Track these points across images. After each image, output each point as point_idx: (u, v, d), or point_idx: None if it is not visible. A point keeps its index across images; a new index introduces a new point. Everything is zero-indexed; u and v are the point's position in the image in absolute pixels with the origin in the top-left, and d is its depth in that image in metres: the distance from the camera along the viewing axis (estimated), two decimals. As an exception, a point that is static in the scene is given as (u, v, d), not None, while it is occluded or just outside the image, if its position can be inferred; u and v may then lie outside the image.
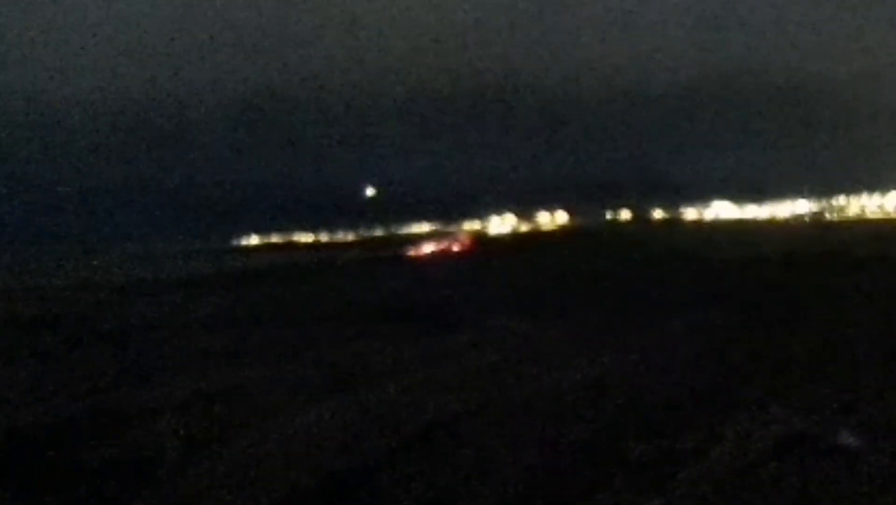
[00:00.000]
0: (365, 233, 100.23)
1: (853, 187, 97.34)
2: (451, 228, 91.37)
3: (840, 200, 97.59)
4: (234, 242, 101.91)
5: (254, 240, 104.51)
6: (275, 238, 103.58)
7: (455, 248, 60.45)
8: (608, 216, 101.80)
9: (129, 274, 45.90)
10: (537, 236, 79.20)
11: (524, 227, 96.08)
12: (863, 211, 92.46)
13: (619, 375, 10.98)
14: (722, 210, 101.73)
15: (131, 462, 7.86)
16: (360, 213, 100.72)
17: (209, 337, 16.58)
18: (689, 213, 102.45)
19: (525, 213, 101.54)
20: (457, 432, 8.30)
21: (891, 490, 6.19)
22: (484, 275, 34.64)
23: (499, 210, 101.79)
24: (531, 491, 6.53)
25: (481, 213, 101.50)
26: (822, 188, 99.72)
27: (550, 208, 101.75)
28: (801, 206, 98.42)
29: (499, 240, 77.46)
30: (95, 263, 59.59)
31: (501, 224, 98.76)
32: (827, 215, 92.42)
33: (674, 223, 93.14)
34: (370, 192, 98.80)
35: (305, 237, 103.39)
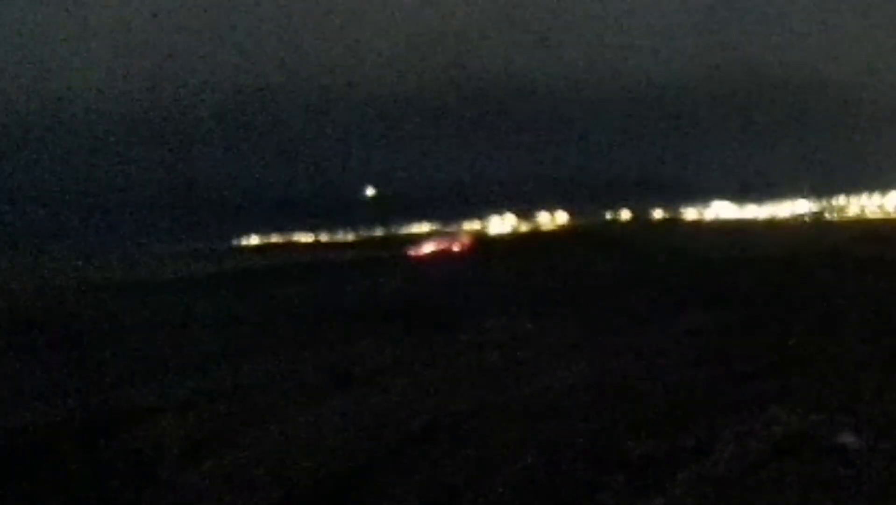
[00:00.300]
0: (365, 233, 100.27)
1: (853, 187, 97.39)
2: (451, 228, 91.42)
3: (840, 200, 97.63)
4: (234, 242, 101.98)
5: (254, 240, 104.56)
6: (275, 238, 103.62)
7: (455, 248, 60.40)
8: (608, 216, 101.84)
9: (129, 274, 45.92)
10: (537, 236, 79.11)
11: (524, 227, 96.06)
12: (863, 211, 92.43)
13: (619, 375, 10.98)
14: (722, 210, 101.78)
15: (131, 462, 7.86)
16: (360, 214, 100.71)
17: (209, 337, 16.59)
18: (689, 213, 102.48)
19: (525, 213, 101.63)
20: (457, 432, 8.30)
21: (891, 490, 6.19)
22: (484, 275, 34.64)
23: (499, 210, 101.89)
24: (531, 491, 6.53)
25: (481, 213, 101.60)
26: (822, 188, 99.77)
27: (550, 208, 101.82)
28: (801, 206, 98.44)
29: (499, 240, 77.37)
30: (95, 263, 59.60)
31: (501, 224, 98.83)
32: (827, 215, 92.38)
33: (674, 223, 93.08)
34: (370, 192, 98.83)
35: (305, 237, 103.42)
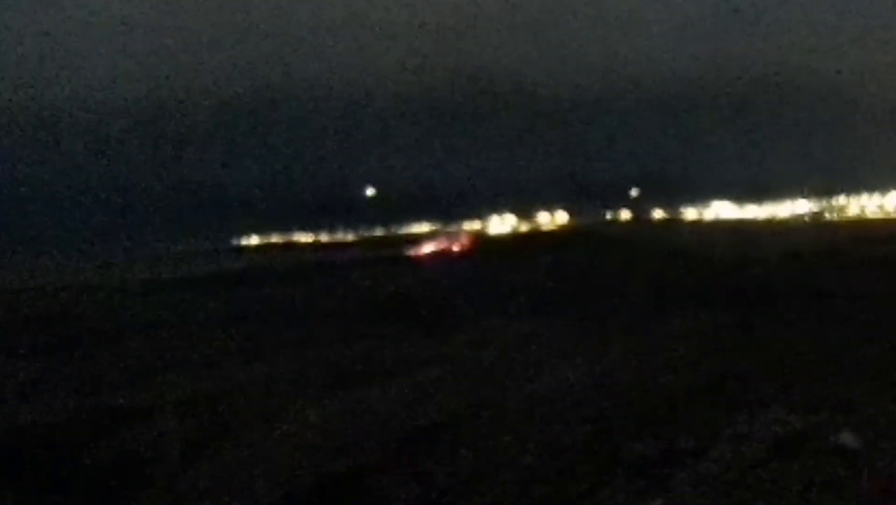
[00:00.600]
0: (365, 233, 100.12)
1: (853, 187, 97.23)
2: (451, 228, 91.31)
3: (840, 200, 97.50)
4: (234, 242, 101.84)
5: (254, 240, 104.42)
6: (275, 238, 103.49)
7: (455, 248, 60.36)
8: (608, 216, 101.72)
9: (130, 274, 45.90)
10: (537, 236, 79.02)
11: (524, 227, 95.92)
12: (863, 211, 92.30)
13: (619, 375, 10.98)
14: (722, 210, 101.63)
15: (131, 462, 7.86)
16: (360, 213, 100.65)
17: (209, 337, 16.58)
18: (689, 213, 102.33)
19: (525, 213, 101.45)
20: (457, 432, 8.30)
21: (891, 490, 6.18)
22: (484, 275, 34.62)
23: (499, 210, 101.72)
24: (531, 491, 6.53)
25: (481, 213, 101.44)
26: (822, 188, 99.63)
27: (550, 208, 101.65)
28: (801, 206, 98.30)
29: (499, 240, 77.30)
30: (96, 263, 59.58)
31: (501, 224, 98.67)
32: (827, 215, 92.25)
33: (674, 223, 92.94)
34: (370, 192, 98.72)
35: (305, 237, 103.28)
